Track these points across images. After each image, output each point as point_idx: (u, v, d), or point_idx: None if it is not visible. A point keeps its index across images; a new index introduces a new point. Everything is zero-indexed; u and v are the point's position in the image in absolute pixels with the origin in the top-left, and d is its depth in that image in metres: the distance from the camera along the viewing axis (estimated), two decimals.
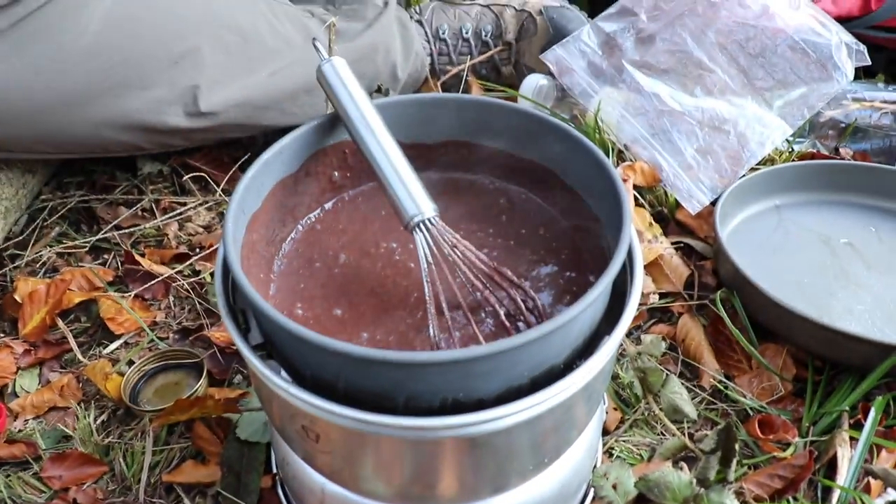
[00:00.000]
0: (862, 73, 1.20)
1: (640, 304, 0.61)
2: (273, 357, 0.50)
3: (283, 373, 0.50)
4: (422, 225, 0.53)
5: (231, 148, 1.14)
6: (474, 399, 0.45)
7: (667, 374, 0.77)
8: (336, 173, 0.63)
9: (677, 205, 1.01)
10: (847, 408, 0.75)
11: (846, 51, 1.03)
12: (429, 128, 0.64)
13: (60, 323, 0.90)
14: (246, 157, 1.10)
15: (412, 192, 0.54)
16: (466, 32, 1.24)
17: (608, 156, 0.80)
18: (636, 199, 1.00)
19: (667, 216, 1.02)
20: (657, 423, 0.78)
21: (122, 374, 0.82)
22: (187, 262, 0.98)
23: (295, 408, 0.47)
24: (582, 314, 0.44)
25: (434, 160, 0.65)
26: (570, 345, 0.48)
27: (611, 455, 0.76)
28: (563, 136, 0.59)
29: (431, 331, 0.51)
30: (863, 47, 1.03)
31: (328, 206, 0.64)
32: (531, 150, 0.62)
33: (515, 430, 0.47)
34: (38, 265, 1.00)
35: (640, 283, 0.52)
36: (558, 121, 0.59)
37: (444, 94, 0.64)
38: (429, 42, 1.23)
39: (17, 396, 0.84)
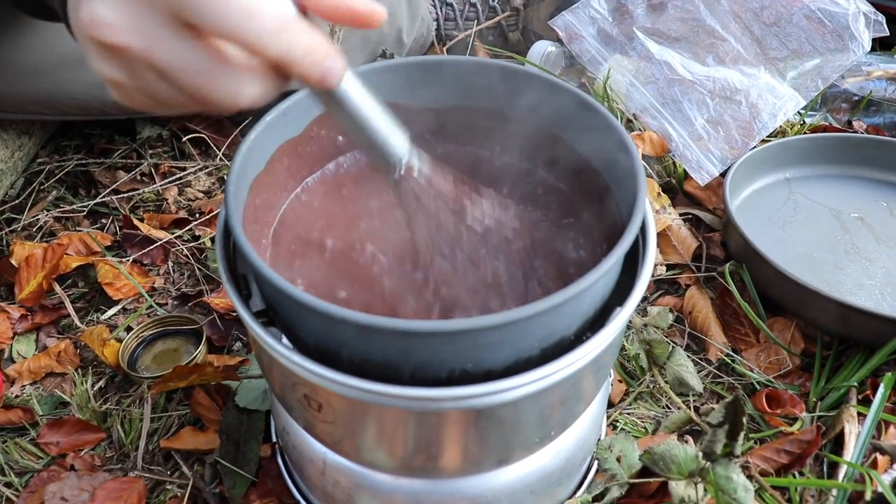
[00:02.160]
0: (878, 45, 1.17)
1: None
2: (275, 324, 0.49)
3: (285, 340, 0.49)
4: (405, 173, 0.45)
5: None
6: (482, 370, 0.43)
7: (673, 347, 0.76)
8: (340, 137, 0.62)
9: (686, 175, 0.99)
10: (855, 383, 0.75)
11: (864, 20, 1.01)
12: (438, 91, 0.61)
13: (57, 288, 0.89)
14: (247, 121, 1.08)
15: (387, 133, 0.43)
16: None
17: None
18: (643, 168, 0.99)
19: (675, 187, 1.00)
20: (662, 395, 0.77)
21: (120, 341, 0.81)
22: (187, 228, 0.97)
23: (297, 376, 0.46)
24: (594, 285, 0.43)
25: (443, 126, 0.63)
26: (582, 316, 0.46)
27: (615, 428, 0.75)
28: (577, 102, 0.57)
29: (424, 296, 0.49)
30: (881, 17, 1.01)
31: (331, 167, 0.62)
32: (541, 116, 0.60)
33: (523, 403, 0.46)
34: (34, 229, 0.99)
35: (653, 255, 0.50)
36: (572, 86, 0.57)
37: (456, 57, 0.61)
38: (435, 7, 1.21)
39: (14, 362, 0.83)
